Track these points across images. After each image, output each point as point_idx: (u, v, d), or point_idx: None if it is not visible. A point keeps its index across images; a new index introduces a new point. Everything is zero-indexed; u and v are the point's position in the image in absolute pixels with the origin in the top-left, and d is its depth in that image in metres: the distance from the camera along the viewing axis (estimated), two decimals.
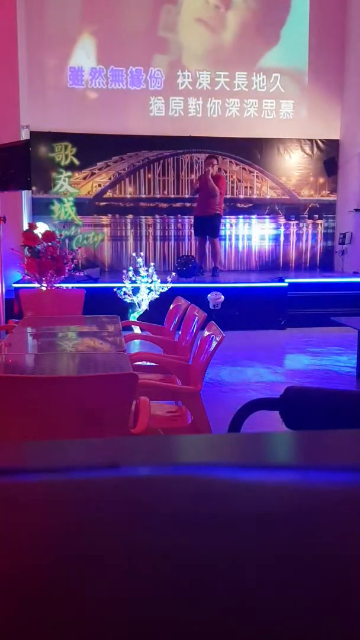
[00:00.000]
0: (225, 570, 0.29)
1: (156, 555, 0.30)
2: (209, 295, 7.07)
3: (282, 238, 9.37)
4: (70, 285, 6.06)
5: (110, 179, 8.93)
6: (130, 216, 9.03)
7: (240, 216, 9.25)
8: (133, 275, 6.87)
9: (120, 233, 9.06)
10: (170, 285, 6.84)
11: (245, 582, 0.28)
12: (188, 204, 8.89)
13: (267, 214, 9.32)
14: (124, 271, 6.95)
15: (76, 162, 8.75)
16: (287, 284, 7.56)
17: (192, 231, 8.78)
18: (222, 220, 8.41)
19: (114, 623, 0.26)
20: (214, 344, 2.70)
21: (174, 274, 7.58)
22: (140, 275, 6.87)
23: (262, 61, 9.01)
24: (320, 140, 9.29)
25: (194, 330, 3.41)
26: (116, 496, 0.36)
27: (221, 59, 8.95)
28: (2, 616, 0.26)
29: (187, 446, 0.63)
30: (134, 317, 6.74)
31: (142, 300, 6.87)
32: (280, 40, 9.00)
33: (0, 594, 0.28)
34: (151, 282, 6.88)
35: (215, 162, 8.09)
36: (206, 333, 2.90)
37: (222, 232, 8.57)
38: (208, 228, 8.10)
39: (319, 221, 9.43)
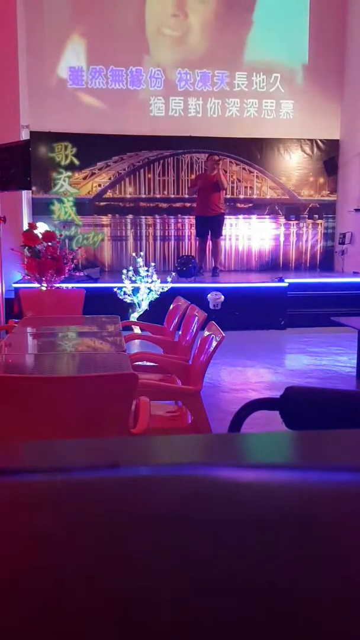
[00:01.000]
0: (225, 570, 0.29)
1: (156, 556, 0.30)
2: (209, 295, 7.08)
3: (282, 238, 9.37)
4: (70, 285, 6.06)
5: (110, 179, 8.93)
6: (130, 216, 9.03)
7: (240, 216, 9.25)
8: (133, 275, 6.87)
9: (120, 233, 9.06)
10: (170, 285, 6.84)
11: (245, 582, 0.28)
12: (188, 204, 8.89)
13: (267, 214, 9.32)
14: (124, 271, 6.95)
15: (76, 162, 8.75)
16: (287, 284, 7.56)
17: (193, 231, 8.77)
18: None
19: (114, 623, 0.26)
20: (214, 344, 2.70)
21: (174, 274, 7.58)
22: (140, 275, 6.87)
23: (262, 61, 9.01)
24: (320, 140, 9.29)
25: (194, 330, 3.41)
26: (116, 496, 0.36)
27: (221, 59, 8.95)
28: (2, 616, 0.26)
29: (187, 446, 0.63)
30: (134, 317, 6.74)
31: (142, 300, 6.87)
32: (281, 40, 8.99)
33: (0, 594, 0.28)
34: (151, 282, 6.87)
35: (219, 159, 8.10)
36: (206, 333, 2.90)
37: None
38: (212, 227, 8.08)
39: (319, 221, 9.43)
